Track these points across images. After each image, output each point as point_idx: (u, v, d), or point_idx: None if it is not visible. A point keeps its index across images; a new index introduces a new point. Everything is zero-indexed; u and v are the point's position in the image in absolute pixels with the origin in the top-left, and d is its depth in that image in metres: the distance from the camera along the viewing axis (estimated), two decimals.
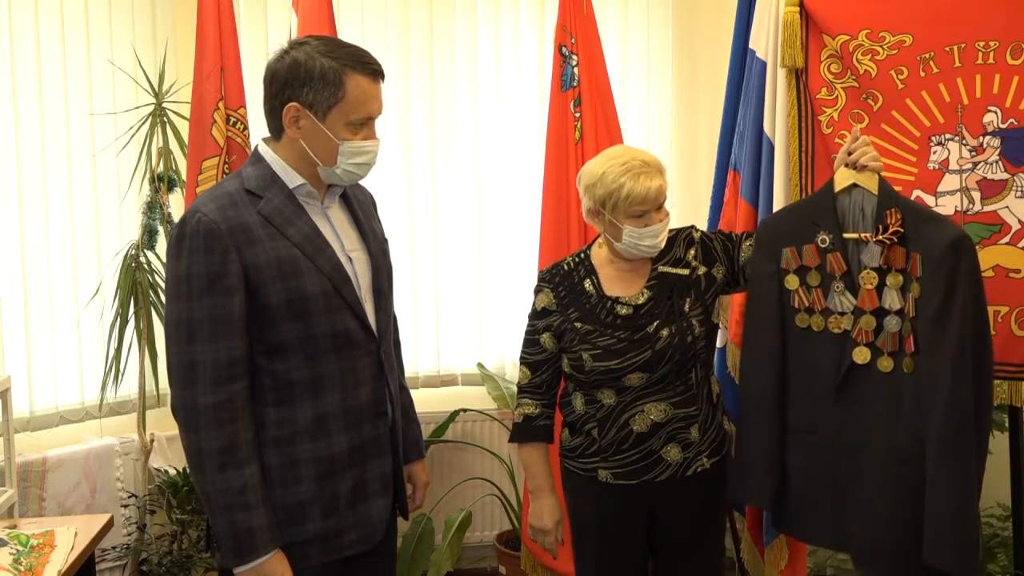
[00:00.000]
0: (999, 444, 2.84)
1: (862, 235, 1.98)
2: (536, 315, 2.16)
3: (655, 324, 2.03)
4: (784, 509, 2.12)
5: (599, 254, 2.16)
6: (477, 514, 3.47)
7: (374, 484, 1.81)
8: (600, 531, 2.12)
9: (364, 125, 1.75)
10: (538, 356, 2.14)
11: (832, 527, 2.05)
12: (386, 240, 1.95)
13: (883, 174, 2.00)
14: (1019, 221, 2.23)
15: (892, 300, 1.94)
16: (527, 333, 2.18)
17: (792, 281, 2.06)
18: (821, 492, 2.05)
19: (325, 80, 1.68)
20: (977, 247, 2.25)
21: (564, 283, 2.14)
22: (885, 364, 1.96)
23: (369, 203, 1.98)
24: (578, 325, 2.08)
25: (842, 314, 2.01)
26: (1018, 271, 2.23)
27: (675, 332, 2.02)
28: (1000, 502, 2.92)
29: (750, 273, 2.12)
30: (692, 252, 2.11)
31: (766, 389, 2.07)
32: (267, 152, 1.77)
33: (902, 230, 1.92)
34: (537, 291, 2.18)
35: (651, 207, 2.01)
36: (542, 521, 2.16)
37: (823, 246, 2.02)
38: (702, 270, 2.10)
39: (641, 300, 2.06)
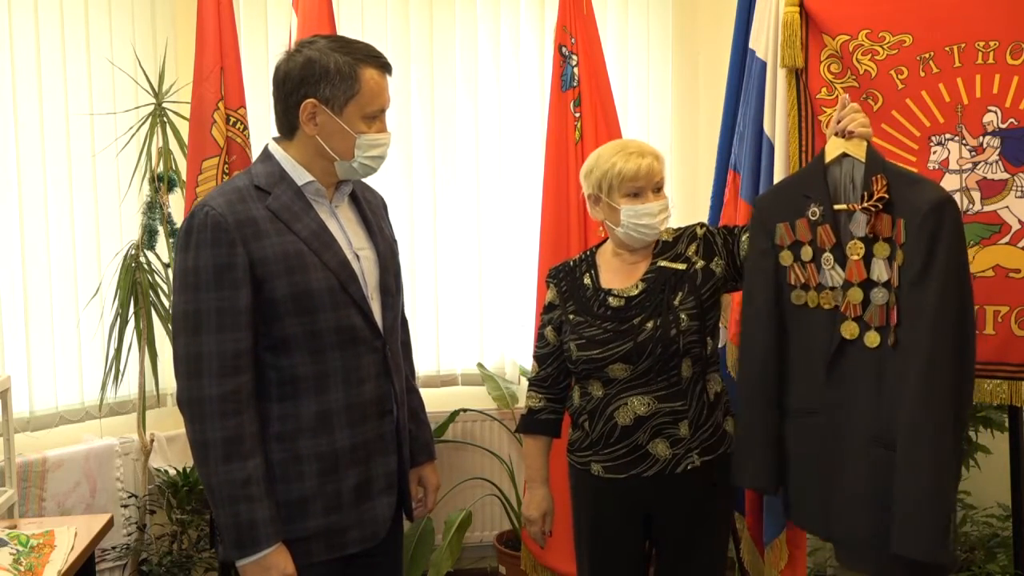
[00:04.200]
0: (999, 444, 2.84)
1: (850, 205, 1.90)
2: (544, 310, 2.22)
3: (641, 316, 2.04)
4: (787, 496, 2.02)
5: (604, 250, 2.20)
6: (477, 514, 3.47)
7: (379, 482, 1.82)
8: (595, 525, 2.14)
9: (377, 118, 1.79)
10: (543, 350, 2.20)
11: (820, 516, 1.94)
12: (395, 242, 1.96)
13: None
14: (1019, 221, 2.23)
15: (880, 271, 1.84)
16: (538, 328, 2.24)
17: (786, 257, 1.98)
18: (810, 478, 1.95)
19: (341, 75, 1.72)
20: (977, 247, 2.26)
21: (567, 278, 2.19)
22: (872, 339, 1.85)
23: (379, 205, 1.99)
24: (571, 317, 2.12)
25: (832, 288, 1.92)
26: (1018, 271, 2.23)
27: (659, 325, 2.02)
28: (1000, 502, 2.92)
29: (746, 252, 2.06)
30: (693, 247, 2.12)
31: (764, 370, 1.98)
32: (277, 151, 1.80)
33: (887, 196, 1.81)
34: (547, 287, 2.23)
35: (645, 184, 2.04)
36: (529, 511, 2.22)
37: (814, 219, 1.93)
38: (700, 264, 2.09)
39: (634, 292, 2.08)
